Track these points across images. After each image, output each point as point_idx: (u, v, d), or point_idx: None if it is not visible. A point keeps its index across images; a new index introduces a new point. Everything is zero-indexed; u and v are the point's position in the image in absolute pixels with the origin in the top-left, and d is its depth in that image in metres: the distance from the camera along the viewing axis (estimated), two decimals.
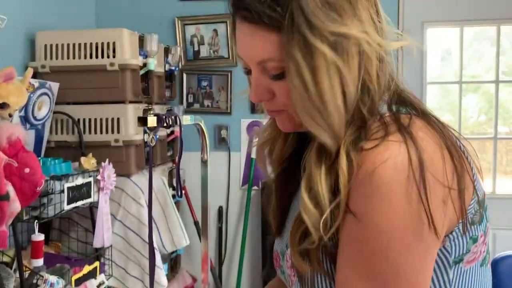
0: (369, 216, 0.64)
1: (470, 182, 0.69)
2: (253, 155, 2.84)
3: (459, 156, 0.68)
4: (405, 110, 0.72)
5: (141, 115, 2.04)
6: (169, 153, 2.56)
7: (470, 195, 0.69)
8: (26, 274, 1.61)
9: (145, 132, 1.10)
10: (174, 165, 2.61)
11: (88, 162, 1.89)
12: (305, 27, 0.66)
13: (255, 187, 2.84)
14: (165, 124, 1.06)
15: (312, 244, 0.69)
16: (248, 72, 0.78)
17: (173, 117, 1.09)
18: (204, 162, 1.34)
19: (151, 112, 1.98)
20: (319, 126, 0.69)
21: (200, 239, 2.37)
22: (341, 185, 0.66)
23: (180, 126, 1.14)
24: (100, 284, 1.82)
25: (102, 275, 1.88)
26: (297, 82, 0.68)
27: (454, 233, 0.69)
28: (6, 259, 1.71)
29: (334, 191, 0.68)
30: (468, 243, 0.70)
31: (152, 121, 1.02)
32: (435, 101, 2.94)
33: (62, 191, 1.68)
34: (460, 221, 0.68)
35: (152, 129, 1.04)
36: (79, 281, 1.75)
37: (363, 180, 0.64)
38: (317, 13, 0.66)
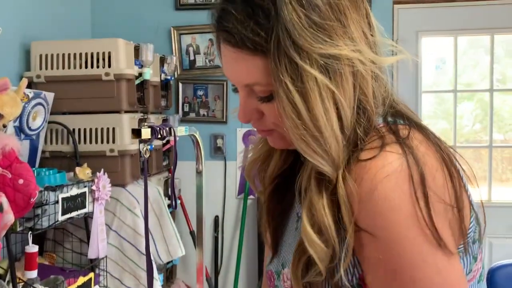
0: (379, 233, 0.62)
1: (467, 199, 0.67)
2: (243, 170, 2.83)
3: (457, 172, 0.66)
4: (402, 121, 0.70)
5: (136, 125, 2.05)
6: (164, 163, 2.55)
7: (469, 213, 0.66)
8: (20, 286, 1.60)
9: (140, 142, 1.10)
10: (170, 174, 2.60)
11: (83, 172, 1.88)
12: (293, 50, 0.62)
13: (251, 196, 2.84)
14: (159, 136, 1.05)
15: (319, 276, 0.66)
16: (236, 90, 0.75)
17: (167, 128, 1.09)
18: (199, 173, 1.34)
19: (146, 123, 1.98)
20: (315, 154, 0.65)
21: (195, 248, 2.36)
22: (343, 212, 0.63)
23: (175, 137, 1.13)
24: None
25: (97, 286, 1.87)
26: (288, 108, 0.64)
27: (459, 253, 0.66)
28: None
29: (338, 218, 0.64)
30: (471, 263, 0.68)
31: (146, 133, 1.02)
32: (430, 110, 2.95)
33: (57, 201, 1.67)
34: (462, 241, 0.65)
35: (147, 141, 1.04)
36: None
37: (364, 198, 0.62)
38: (304, 35, 0.62)
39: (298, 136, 0.65)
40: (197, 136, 1.29)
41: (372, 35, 0.69)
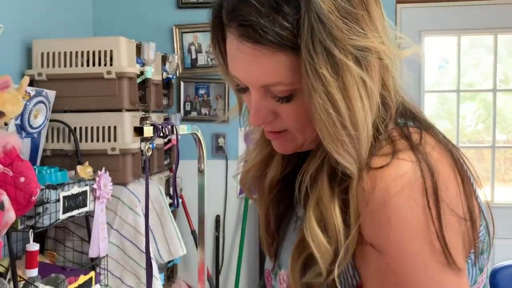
0: (388, 247, 0.59)
1: (478, 208, 0.64)
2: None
3: (468, 178, 0.63)
4: (412, 123, 0.66)
5: (138, 123, 2.04)
6: (166, 162, 2.54)
7: (479, 223, 0.63)
8: (21, 285, 1.59)
9: (141, 141, 1.09)
10: (171, 173, 2.59)
11: (84, 170, 1.88)
12: (329, 41, 0.58)
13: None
14: (161, 134, 1.05)
15: (318, 276, 0.62)
16: (242, 90, 0.69)
17: (169, 126, 1.08)
18: (201, 172, 1.33)
19: (148, 121, 1.97)
20: (347, 154, 0.60)
21: (197, 248, 2.35)
22: (351, 215, 0.60)
23: (177, 135, 1.13)
24: None
25: (98, 285, 1.86)
26: (324, 105, 0.59)
27: (467, 265, 0.63)
28: (0, 269, 1.69)
29: (344, 217, 0.62)
30: (477, 274, 0.65)
31: (148, 131, 1.01)
32: (432, 110, 2.94)
33: (58, 200, 1.67)
34: (472, 252, 0.62)
35: (149, 139, 1.03)
36: None
37: (376, 209, 0.58)
38: (340, 25, 0.58)
39: (332, 136, 0.60)
40: (199, 135, 1.28)
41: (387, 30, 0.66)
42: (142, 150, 1.11)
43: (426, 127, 0.67)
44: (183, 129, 1.20)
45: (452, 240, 0.59)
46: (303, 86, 0.60)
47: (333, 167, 0.62)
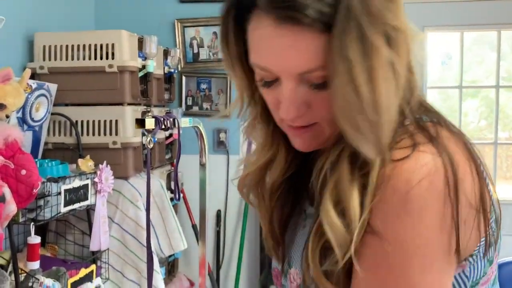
0: (394, 234, 0.57)
1: (489, 200, 0.63)
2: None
3: (481, 171, 0.62)
4: (427, 117, 0.65)
5: (139, 117, 2.04)
6: (167, 156, 2.54)
7: (490, 214, 0.63)
8: (22, 277, 1.59)
9: (143, 134, 1.08)
10: (173, 168, 2.59)
11: (86, 164, 1.88)
12: (365, 20, 0.55)
13: None
14: (163, 126, 1.04)
15: (335, 264, 0.60)
16: (266, 84, 0.64)
17: (171, 119, 1.08)
18: (202, 165, 1.33)
19: (150, 114, 1.97)
20: (367, 141, 0.58)
21: (198, 242, 2.35)
22: (367, 200, 0.58)
23: (179, 128, 1.12)
24: None
25: (99, 278, 1.86)
26: (349, 88, 0.56)
27: (474, 257, 0.63)
28: (1, 261, 1.69)
29: (362, 203, 0.60)
30: (486, 266, 0.65)
31: (150, 123, 1.01)
32: (435, 106, 2.92)
33: (59, 193, 1.66)
34: (481, 243, 0.62)
35: (150, 131, 1.03)
36: (75, 285, 1.73)
37: (393, 199, 0.57)
38: (377, 3, 0.56)
39: (351, 120, 0.58)
40: (200, 128, 1.28)
41: None
42: (144, 144, 1.11)
43: (439, 119, 0.66)
44: (185, 122, 1.20)
45: (463, 232, 0.59)
46: (328, 66, 0.57)
47: (355, 151, 0.60)
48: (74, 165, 1.89)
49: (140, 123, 1.02)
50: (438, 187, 0.57)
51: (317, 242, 0.63)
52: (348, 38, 0.55)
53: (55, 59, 2.09)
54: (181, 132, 1.17)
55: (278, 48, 0.59)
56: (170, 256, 2.39)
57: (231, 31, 0.65)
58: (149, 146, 1.04)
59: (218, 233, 2.87)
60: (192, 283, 2.67)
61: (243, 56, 0.67)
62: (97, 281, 1.84)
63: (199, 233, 1.77)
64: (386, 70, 0.57)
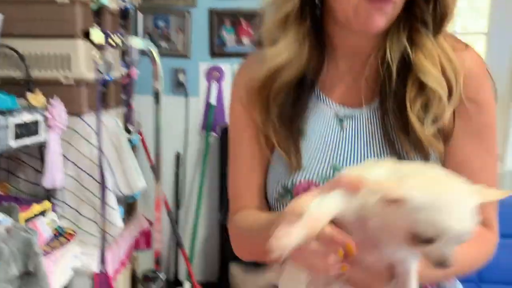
0: (485, 100, 0.79)
1: None
2: (213, 100, 2.79)
3: None
4: None
5: (91, 52, 1.95)
6: (124, 97, 2.47)
7: None
8: None
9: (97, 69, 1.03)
10: (129, 109, 2.52)
11: (36, 98, 1.80)
12: None
13: (214, 134, 2.81)
14: (112, 43, 0.99)
15: (434, 123, 0.76)
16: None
17: (119, 34, 1.02)
18: (156, 94, 1.29)
19: (103, 50, 1.89)
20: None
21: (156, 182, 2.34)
22: (451, 74, 0.76)
23: (131, 51, 1.07)
24: (51, 223, 1.78)
25: (53, 213, 1.83)
26: None
27: None
28: None
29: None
30: None
31: (98, 36, 0.95)
32: None
33: (7, 126, 1.59)
34: None
35: (100, 48, 0.98)
36: (29, 220, 1.69)
37: (472, 74, 0.77)
38: None
39: None
40: (154, 53, 1.23)
41: None
42: (97, 79, 1.05)
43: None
44: (138, 43, 1.15)
45: None
46: None
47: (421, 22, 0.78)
48: (23, 100, 1.81)
49: (86, 35, 0.97)
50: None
51: (416, 106, 0.76)
52: None
53: None
54: (136, 63, 1.12)
55: None
56: (129, 197, 2.37)
57: None
58: (99, 63, 0.99)
59: (177, 175, 2.86)
60: (151, 223, 2.67)
61: None
62: (51, 215, 1.81)
63: (156, 171, 1.76)
64: None
